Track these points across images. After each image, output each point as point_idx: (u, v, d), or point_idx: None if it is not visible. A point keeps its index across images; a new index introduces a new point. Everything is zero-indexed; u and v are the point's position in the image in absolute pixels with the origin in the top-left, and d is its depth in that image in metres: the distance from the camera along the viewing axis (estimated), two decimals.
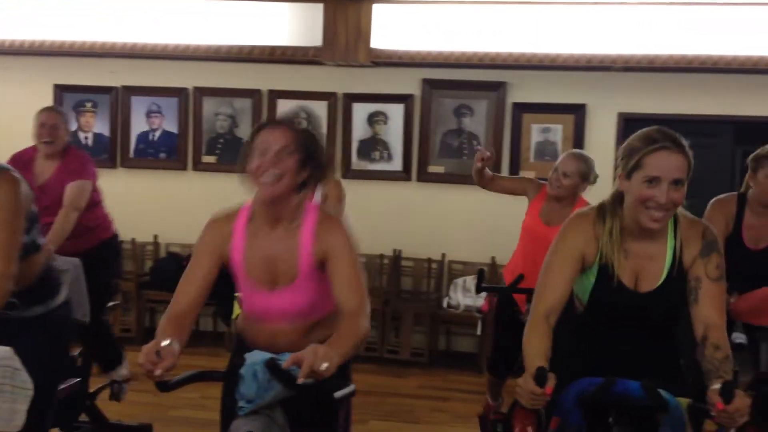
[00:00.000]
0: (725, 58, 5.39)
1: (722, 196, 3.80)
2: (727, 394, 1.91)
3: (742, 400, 1.91)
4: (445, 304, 6.06)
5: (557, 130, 6.01)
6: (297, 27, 5.96)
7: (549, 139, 6.03)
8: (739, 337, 3.58)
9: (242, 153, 2.30)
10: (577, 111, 5.95)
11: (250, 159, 2.25)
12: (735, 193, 3.78)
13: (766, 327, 3.39)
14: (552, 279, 2.27)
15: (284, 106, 6.26)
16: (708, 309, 2.18)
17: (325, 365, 1.94)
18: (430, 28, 5.82)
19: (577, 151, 4.00)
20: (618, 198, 2.27)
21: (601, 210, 2.30)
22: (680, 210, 2.24)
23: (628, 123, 5.92)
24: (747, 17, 5.37)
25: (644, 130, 2.23)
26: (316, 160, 2.30)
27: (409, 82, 6.19)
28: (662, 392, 2.08)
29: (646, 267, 2.26)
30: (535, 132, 6.05)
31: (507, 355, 3.91)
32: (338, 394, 2.04)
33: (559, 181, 3.78)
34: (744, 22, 5.38)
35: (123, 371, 4.26)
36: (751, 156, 3.66)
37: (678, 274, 2.24)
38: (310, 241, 2.30)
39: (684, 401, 2.11)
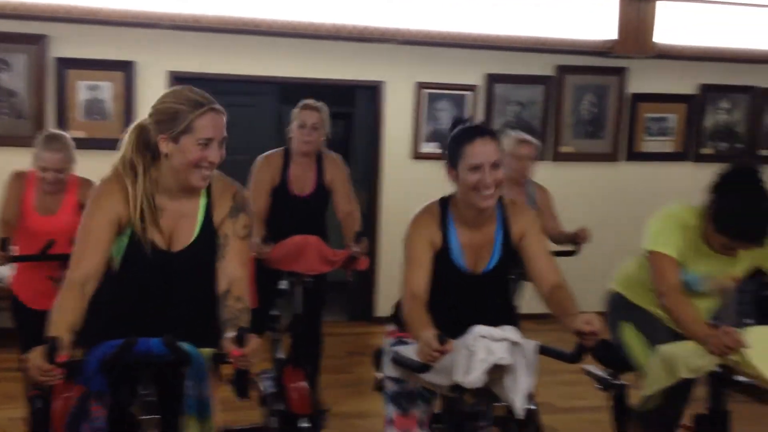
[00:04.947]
0: (266, 21, 5.66)
1: (269, 152, 4.06)
2: (241, 339, 2.02)
3: (254, 343, 2.04)
4: None
5: (106, 88, 5.76)
6: None
7: (98, 97, 5.76)
8: (283, 284, 3.85)
9: None
10: (126, 68, 5.77)
11: None
12: (282, 148, 4.07)
13: (299, 272, 3.68)
14: (88, 245, 2.20)
15: None
16: (233, 264, 2.29)
17: None
18: None
19: (53, 134, 3.70)
20: (150, 160, 2.26)
21: (132, 172, 2.25)
22: (215, 172, 2.31)
23: (177, 81, 5.91)
24: None
25: (179, 91, 2.24)
26: None
27: None
28: (184, 345, 2.13)
29: (179, 226, 2.30)
30: (83, 89, 5.73)
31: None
32: None
33: (54, 176, 3.56)
34: None
35: None
36: (294, 110, 3.98)
37: (209, 232, 2.31)
38: None
39: (207, 351, 2.19)
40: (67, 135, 3.71)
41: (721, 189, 2.77)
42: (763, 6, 6.59)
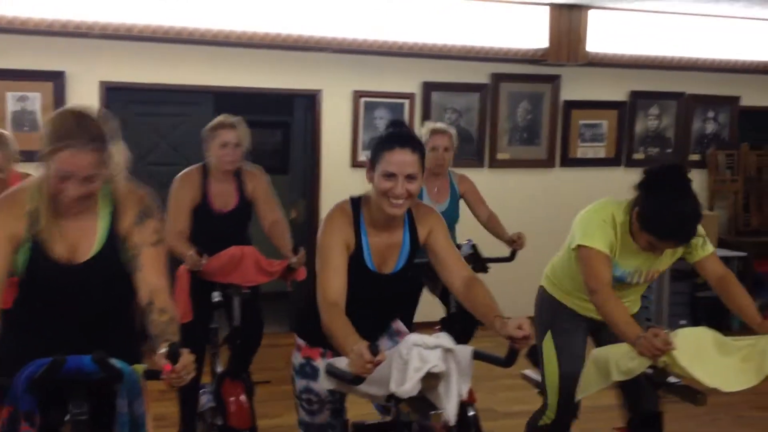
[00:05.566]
0: (200, 30, 5.60)
1: (187, 169, 3.96)
2: (173, 355, 1.98)
3: (187, 358, 2.00)
4: None
5: (35, 99, 5.62)
6: None
7: (27, 109, 5.62)
8: (217, 296, 3.79)
9: None
10: (56, 78, 5.64)
11: None
12: (199, 164, 3.97)
13: (235, 284, 3.64)
14: None
15: None
16: (151, 274, 2.23)
17: None
18: None
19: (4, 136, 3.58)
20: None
21: (28, 189, 2.23)
22: (118, 179, 2.25)
23: (111, 92, 5.82)
24: None
25: (61, 115, 2.17)
26: None
27: None
28: (115, 362, 2.08)
29: (81, 237, 2.24)
30: (11, 101, 5.59)
31: None
32: None
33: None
34: None
35: None
36: (207, 129, 3.89)
37: (114, 241, 2.25)
38: None
39: (139, 368, 2.15)
40: (7, 133, 3.52)
41: (648, 188, 2.76)
42: (690, 15, 6.79)
